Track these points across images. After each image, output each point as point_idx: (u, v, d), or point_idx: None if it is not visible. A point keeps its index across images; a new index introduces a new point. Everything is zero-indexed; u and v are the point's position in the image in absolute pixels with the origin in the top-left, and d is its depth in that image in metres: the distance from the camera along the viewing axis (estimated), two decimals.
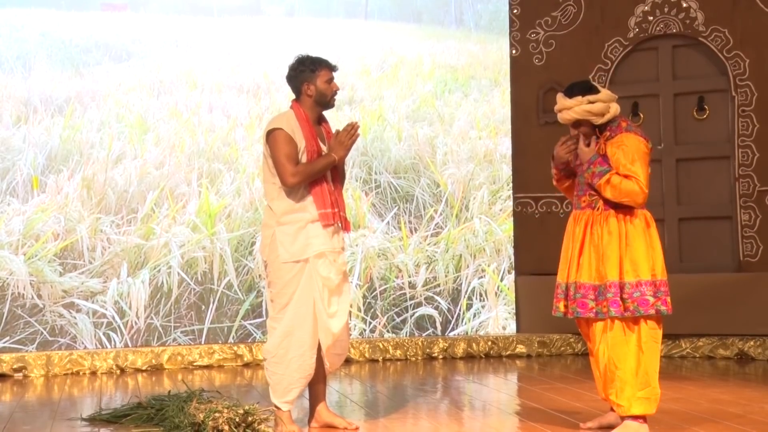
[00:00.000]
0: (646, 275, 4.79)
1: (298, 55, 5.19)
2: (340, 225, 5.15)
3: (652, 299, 4.78)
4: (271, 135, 5.05)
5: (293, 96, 5.24)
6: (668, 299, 4.83)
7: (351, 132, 5.11)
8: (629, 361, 4.80)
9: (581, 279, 4.87)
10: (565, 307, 4.96)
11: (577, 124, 4.93)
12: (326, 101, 5.17)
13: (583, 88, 4.92)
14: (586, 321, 4.93)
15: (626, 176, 4.80)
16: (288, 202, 5.06)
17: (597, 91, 4.89)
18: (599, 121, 4.88)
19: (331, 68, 5.16)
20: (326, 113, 5.32)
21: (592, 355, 4.99)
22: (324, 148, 5.13)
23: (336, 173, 5.19)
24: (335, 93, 5.18)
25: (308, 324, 5.03)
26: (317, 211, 5.05)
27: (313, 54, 5.21)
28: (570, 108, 4.89)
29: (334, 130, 5.21)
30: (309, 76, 5.12)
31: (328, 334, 5.07)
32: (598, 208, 4.90)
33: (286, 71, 5.21)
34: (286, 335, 5.04)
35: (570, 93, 4.92)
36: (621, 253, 4.82)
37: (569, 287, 4.93)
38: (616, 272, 4.80)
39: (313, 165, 5.04)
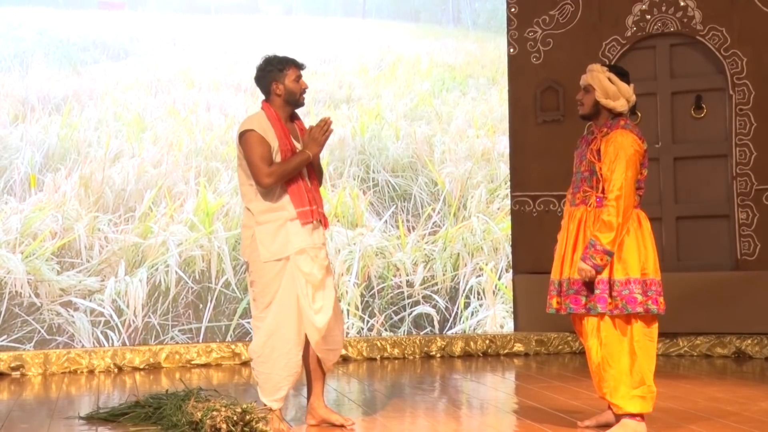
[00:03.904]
0: (636, 273, 4.79)
1: (265, 56, 5.19)
2: (320, 221, 5.14)
3: (640, 297, 4.77)
4: (243, 137, 5.05)
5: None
6: (660, 299, 4.82)
7: (324, 128, 5.10)
8: (623, 360, 4.80)
9: (574, 275, 4.87)
10: (558, 303, 4.97)
11: (586, 90, 5.00)
12: (295, 99, 5.16)
13: (615, 68, 5.03)
14: (579, 317, 4.94)
15: (601, 201, 4.84)
16: (265, 201, 5.05)
17: (625, 82, 4.95)
18: (601, 99, 4.91)
19: (299, 66, 5.16)
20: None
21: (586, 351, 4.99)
22: (298, 146, 5.13)
23: (312, 170, 5.19)
24: (304, 91, 5.17)
25: (292, 321, 5.03)
26: (295, 209, 5.04)
27: (281, 53, 5.20)
28: (592, 70, 4.99)
29: (308, 127, 5.20)
30: (277, 76, 5.12)
31: (314, 330, 5.05)
32: (590, 205, 4.90)
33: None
34: (271, 334, 5.04)
35: (605, 65, 5.06)
36: None
37: (562, 283, 4.94)
38: (606, 269, 4.79)
39: (287, 163, 5.03)
